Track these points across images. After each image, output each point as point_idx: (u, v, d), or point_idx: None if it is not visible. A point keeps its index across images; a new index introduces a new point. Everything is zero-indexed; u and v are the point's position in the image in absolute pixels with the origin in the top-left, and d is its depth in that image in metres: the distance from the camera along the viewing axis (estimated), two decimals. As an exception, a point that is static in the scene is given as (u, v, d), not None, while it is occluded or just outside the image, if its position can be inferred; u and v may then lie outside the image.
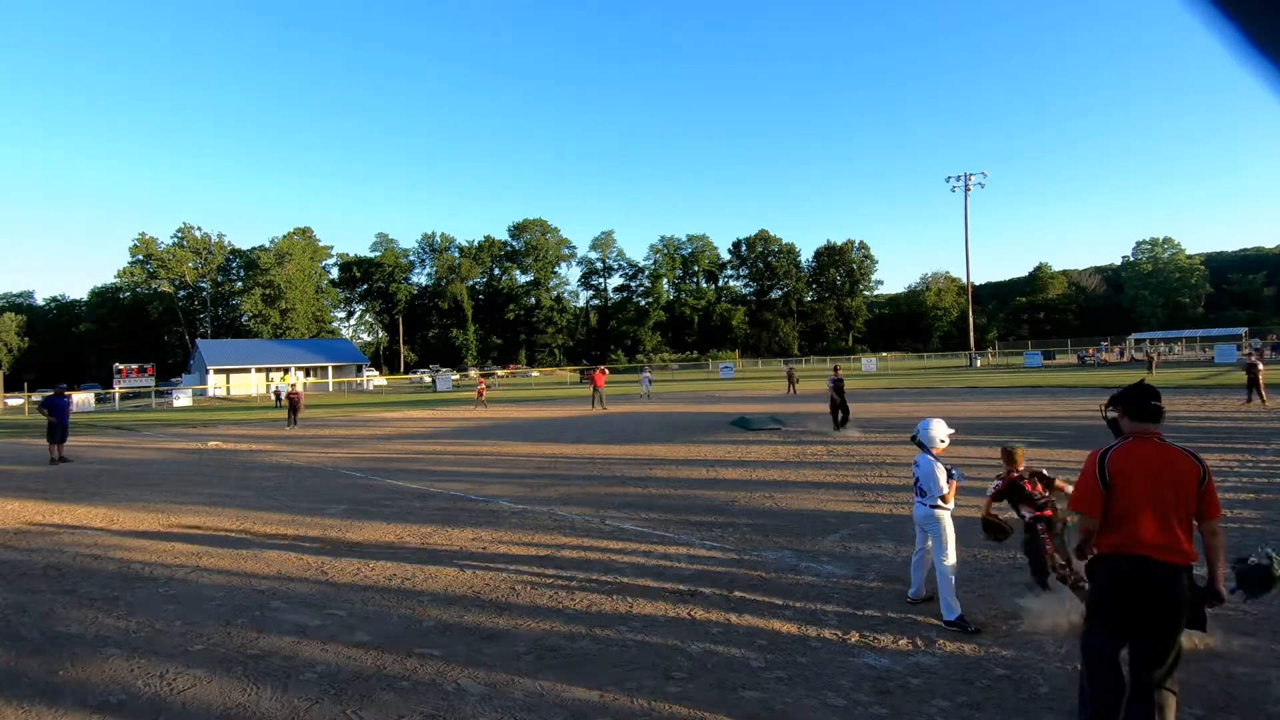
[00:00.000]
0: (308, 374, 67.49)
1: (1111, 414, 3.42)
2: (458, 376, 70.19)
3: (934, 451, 4.90)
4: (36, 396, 55.04)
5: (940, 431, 4.93)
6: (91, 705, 3.80)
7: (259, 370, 65.34)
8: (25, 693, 3.98)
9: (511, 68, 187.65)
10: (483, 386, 32.08)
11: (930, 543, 4.85)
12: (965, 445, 12.92)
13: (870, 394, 28.77)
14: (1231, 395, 21.15)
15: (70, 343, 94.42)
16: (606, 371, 31.62)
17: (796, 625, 4.64)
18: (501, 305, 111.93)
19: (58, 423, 15.16)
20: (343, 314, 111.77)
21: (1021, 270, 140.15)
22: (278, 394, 48.09)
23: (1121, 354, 56.73)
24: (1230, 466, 9.70)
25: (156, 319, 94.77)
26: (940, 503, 4.75)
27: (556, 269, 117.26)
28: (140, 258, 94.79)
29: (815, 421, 17.97)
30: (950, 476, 4.82)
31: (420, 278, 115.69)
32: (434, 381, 59.43)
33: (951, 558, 4.65)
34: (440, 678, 4.00)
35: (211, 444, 18.37)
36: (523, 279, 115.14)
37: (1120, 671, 3.04)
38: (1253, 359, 20.33)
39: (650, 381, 36.16)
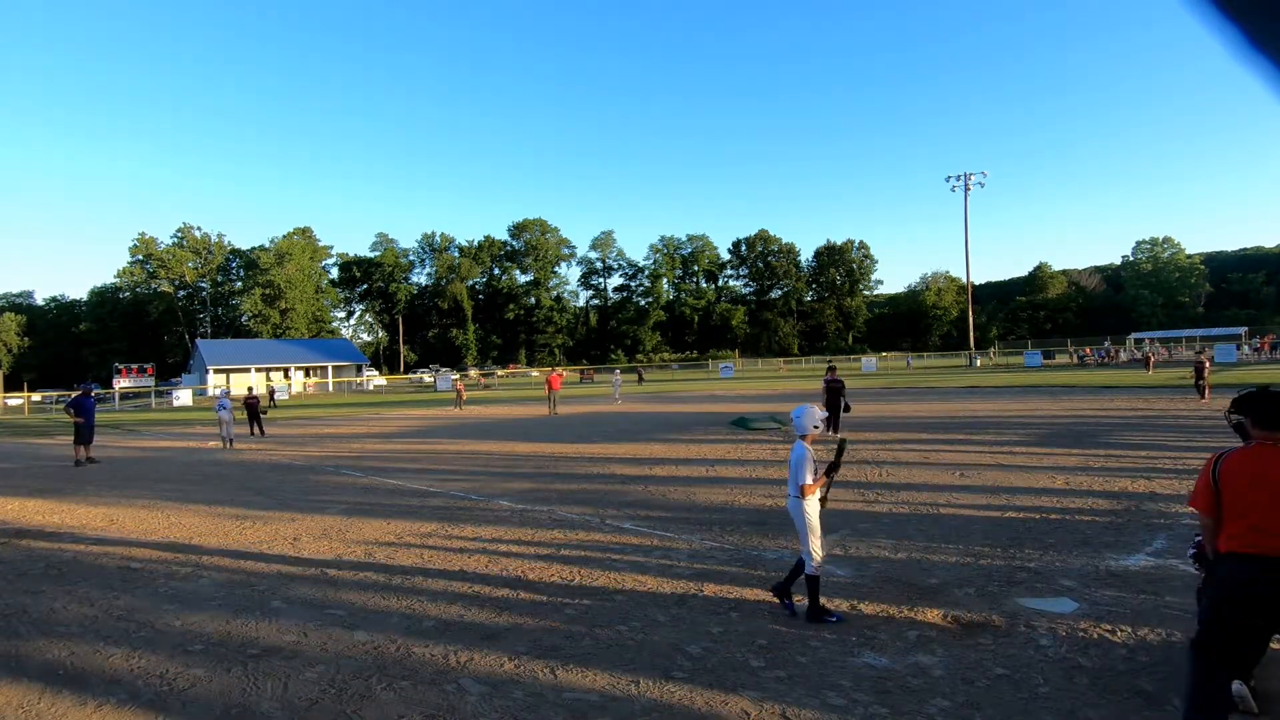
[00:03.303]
0: (308, 374, 67.52)
1: (1236, 418, 3.24)
2: (457, 376, 70.24)
3: (806, 439, 4.83)
4: (36, 396, 55.14)
5: (813, 419, 4.86)
6: (91, 706, 3.80)
7: (259, 370, 65.35)
8: (25, 693, 3.98)
9: (511, 67, 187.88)
10: (460, 387, 31.91)
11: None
12: (968, 445, 12.92)
13: (870, 393, 28.77)
14: (1228, 395, 21.14)
15: (70, 343, 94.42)
16: (564, 375, 31.35)
17: (797, 625, 4.64)
18: (501, 305, 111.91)
19: (84, 423, 15.05)
20: (343, 314, 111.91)
21: (1021, 270, 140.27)
22: (272, 393, 48.00)
23: (1116, 354, 56.72)
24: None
25: (156, 319, 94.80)
26: (802, 493, 4.71)
27: (556, 269, 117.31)
28: (140, 258, 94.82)
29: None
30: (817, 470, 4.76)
31: (420, 277, 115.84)
32: (434, 381, 59.48)
33: (816, 551, 4.63)
34: (440, 678, 4.00)
35: (211, 444, 18.37)
36: (523, 279, 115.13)
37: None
38: (1200, 357, 21.49)
39: (620, 385, 34.91)
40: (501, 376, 75.68)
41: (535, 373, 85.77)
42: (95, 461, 15.08)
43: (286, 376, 64.51)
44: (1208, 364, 20.80)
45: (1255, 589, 2.62)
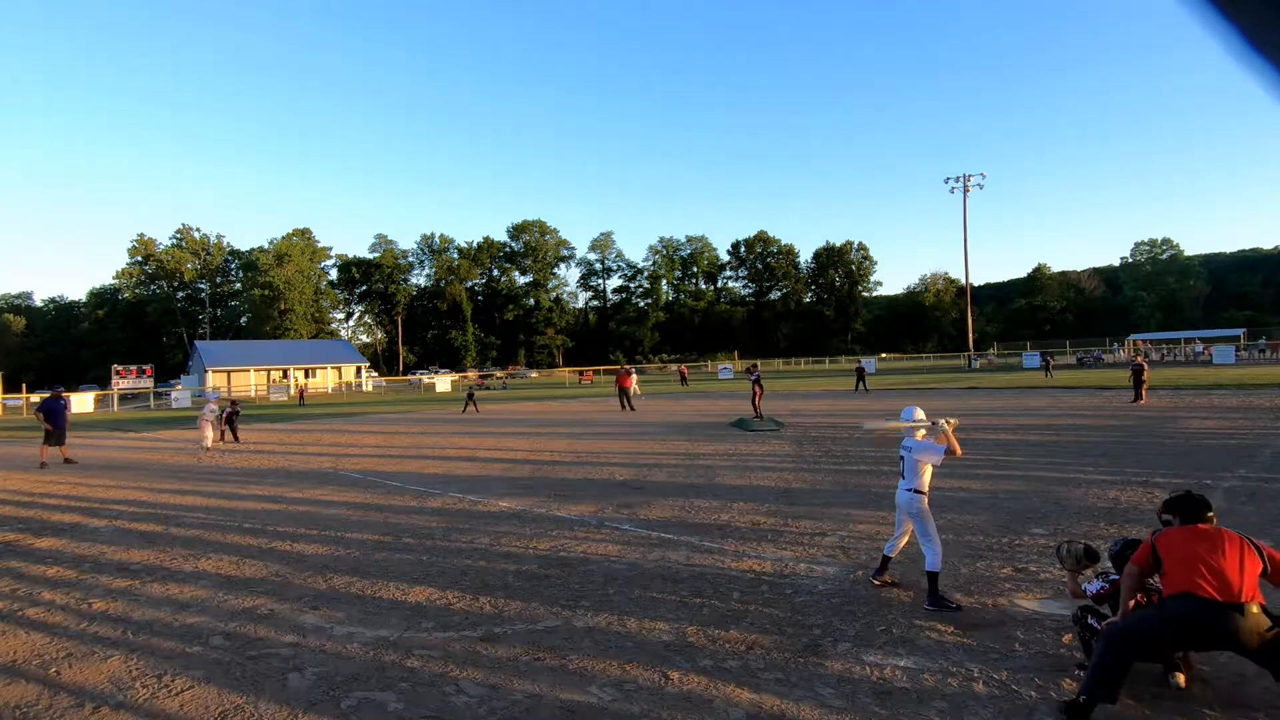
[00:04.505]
0: (307, 375, 67.42)
1: (1166, 518, 3.81)
2: (456, 378, 70.16)
3: (918, 435, 5.21)
4: (35, 398, 55.04)
5: (920, 414, 5.29)
6: (89, 707, 3.80)
7: (258, 371, 65.27)
8: (23, 694, 3.97)
9: (511, 68, 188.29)
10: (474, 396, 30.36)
11: (910, 526, 5.15)
12: (967, 446, 12.91)
13: (870, 393, 28.79)
14: (1227, 395, 21.18)
15: (69, 344, 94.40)
16: (634, 372, 30.40)
17: (796, 625, 4.64)
18: (500, 306, 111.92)
19: (53, 428, 15.15)
20: (341, 315, 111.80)
21: (1020, 271, 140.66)
22: (302, 393, 48.14)
23: (1111, 353, 56.67)
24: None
25: (155, 320, 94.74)
26: (920, 489, 5.01)
27: (555, 270, 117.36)
28: (139, 259, 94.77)
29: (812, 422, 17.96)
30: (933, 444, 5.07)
31: (419, 279, 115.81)
32: (433, 383, 59.52)
33: (937, 540, 4.93)
34: (440, 678, 4.00)
35: (209, 445, 18.32)
36: (522, 280, 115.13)
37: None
38: (1138, 360, 21.90)
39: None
40: (500, 378, 75.73)
41: (534, 374, 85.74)
42: (72, 461, 15.17)
43: (285, 377, 64.40)
44: (1146, 367, 21.39)
45: (1186, 612, 3.37)
